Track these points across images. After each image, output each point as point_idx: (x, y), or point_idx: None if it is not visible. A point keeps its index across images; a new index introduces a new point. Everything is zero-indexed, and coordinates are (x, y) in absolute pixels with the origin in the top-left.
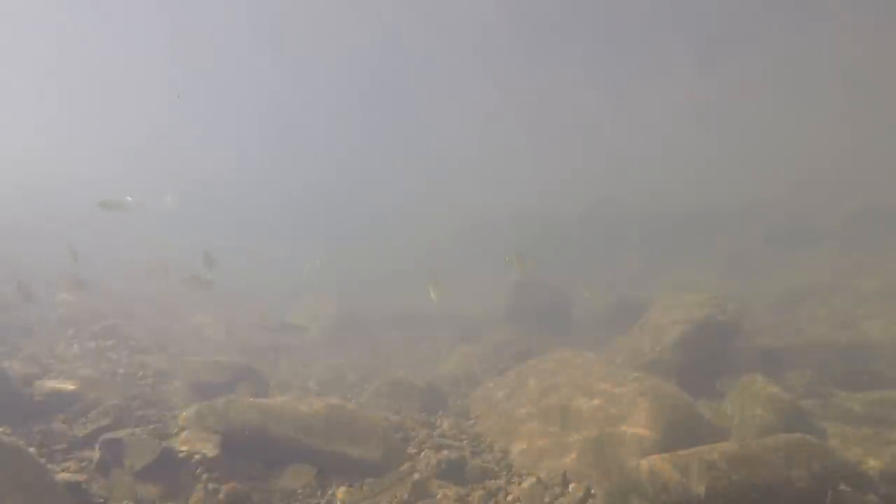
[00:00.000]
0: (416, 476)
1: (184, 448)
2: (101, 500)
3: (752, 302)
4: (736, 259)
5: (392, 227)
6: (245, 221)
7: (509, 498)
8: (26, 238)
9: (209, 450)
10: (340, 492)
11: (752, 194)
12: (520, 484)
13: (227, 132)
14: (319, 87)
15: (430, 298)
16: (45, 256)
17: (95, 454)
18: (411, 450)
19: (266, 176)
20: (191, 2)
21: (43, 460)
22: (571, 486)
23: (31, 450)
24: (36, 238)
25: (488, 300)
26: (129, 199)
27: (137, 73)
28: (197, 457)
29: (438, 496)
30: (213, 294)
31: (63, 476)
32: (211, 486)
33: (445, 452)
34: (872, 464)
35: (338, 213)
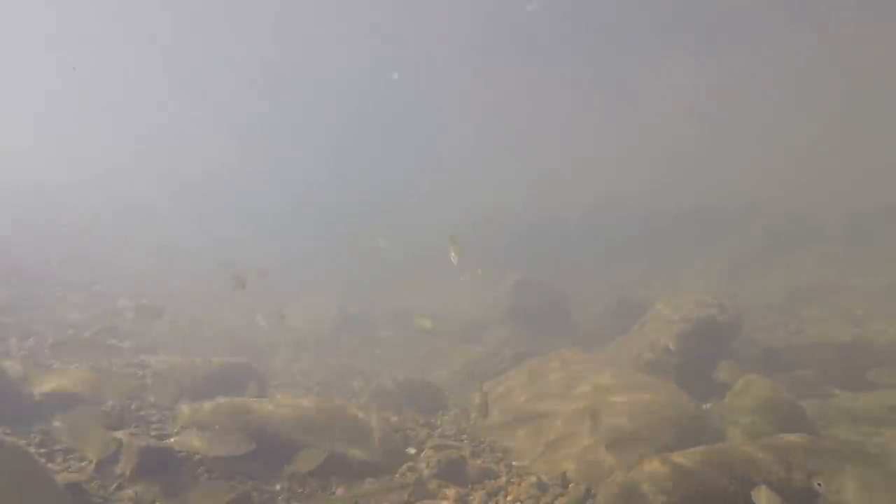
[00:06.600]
0: (416, 476)
1: (183, 448)
2: (101, 500)
3: (752, 302)
4: (736, 259)
5: (392, 228)
6: (260, 225)
7: (509, 498)
8: (26, 238)
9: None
10: (340, 492)
11: (753, 194)
12: (520, 484)
13: (227, 132)
14: (319, 89)
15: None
16: (44, 256)
17: None
18: (411, 450)
19: (270, 177)
20: (189, 2)
21: (43, 460)
22: (571, 486)
23: (31, 450)
24: (35, 238)
25: (488, 300)
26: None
27: (132, 73)
28: (197, 457)
29: (438, 496)
30: (213, 293)
31: (63, 476)
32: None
33: (445, 452)
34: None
35: (339, 213)
